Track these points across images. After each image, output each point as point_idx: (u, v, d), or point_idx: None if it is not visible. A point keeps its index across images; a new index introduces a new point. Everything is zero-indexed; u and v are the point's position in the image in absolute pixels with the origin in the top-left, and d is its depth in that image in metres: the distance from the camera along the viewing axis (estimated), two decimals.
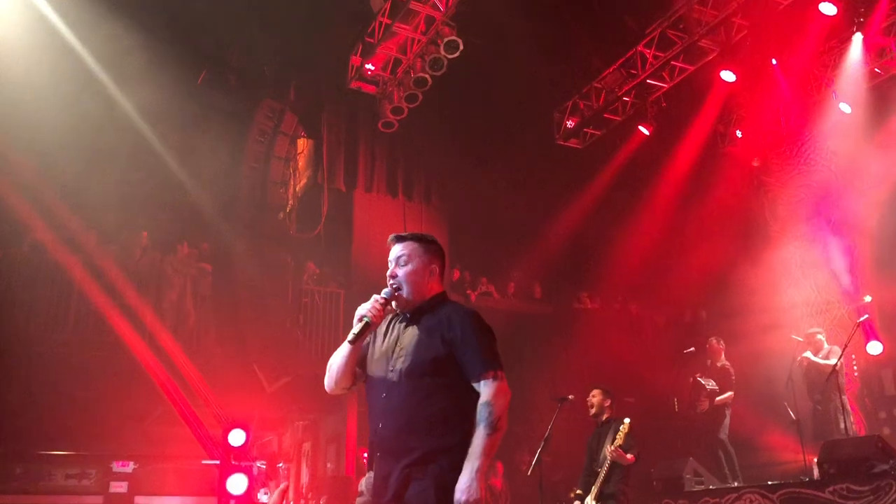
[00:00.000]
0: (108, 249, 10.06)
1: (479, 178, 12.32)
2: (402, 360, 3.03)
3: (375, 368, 3.12)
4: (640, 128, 12.02)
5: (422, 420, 2.91)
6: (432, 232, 10.44)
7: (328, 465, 11.35)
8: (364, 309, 3.10)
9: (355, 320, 3.10)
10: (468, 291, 12.97)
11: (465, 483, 2.74)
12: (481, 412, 2.86)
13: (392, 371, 3.04)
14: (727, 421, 9.13)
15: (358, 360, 3.20)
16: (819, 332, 9.10)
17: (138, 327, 9.26)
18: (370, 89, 10.79)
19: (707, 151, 12.06)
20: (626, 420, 6.88)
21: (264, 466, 9.81)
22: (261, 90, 11.78)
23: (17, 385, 8.50)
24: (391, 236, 3.27)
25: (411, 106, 10.39)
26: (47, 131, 9.35)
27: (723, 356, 9.57)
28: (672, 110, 11.84)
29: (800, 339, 9.15)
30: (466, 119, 12.00)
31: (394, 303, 3.16)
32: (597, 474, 6.99)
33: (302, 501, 11.10)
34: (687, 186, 12.08)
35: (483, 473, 2.75)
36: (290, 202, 12.71)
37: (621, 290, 13.22)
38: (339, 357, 3.17)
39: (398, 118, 10.48)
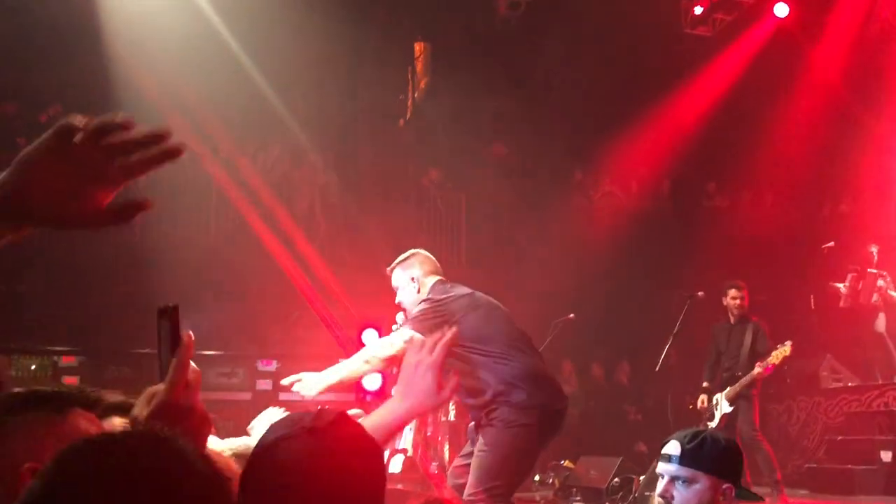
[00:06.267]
0: (241, 160, 10.51)
1: (600, 73, 11.85)
2: None
3: None
4: (780, 4, 11.05)
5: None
6: (550, 128, 10.22)
7: None
8: None
9: None
10: (590, 193, 12.67)
11: None
12: None
13: None
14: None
15: None
16: None
17: (276, 234, 9.74)
18: None
19: (858, 36, 10.97)
20: (788, 343, 6.65)
21: None
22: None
23: (169, 289, 9.16)
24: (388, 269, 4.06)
25: None
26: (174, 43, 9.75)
27: None
28: None
29: None
30: (587, 15, 11.47)
31: None
32: (727, 369, 6.92)
33: None
34: (829, 73, 11.13)
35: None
36: (410, 109, 12.73)
37: (753, 185, 12.60)
38: None
39: (515, 14, 10.17)
